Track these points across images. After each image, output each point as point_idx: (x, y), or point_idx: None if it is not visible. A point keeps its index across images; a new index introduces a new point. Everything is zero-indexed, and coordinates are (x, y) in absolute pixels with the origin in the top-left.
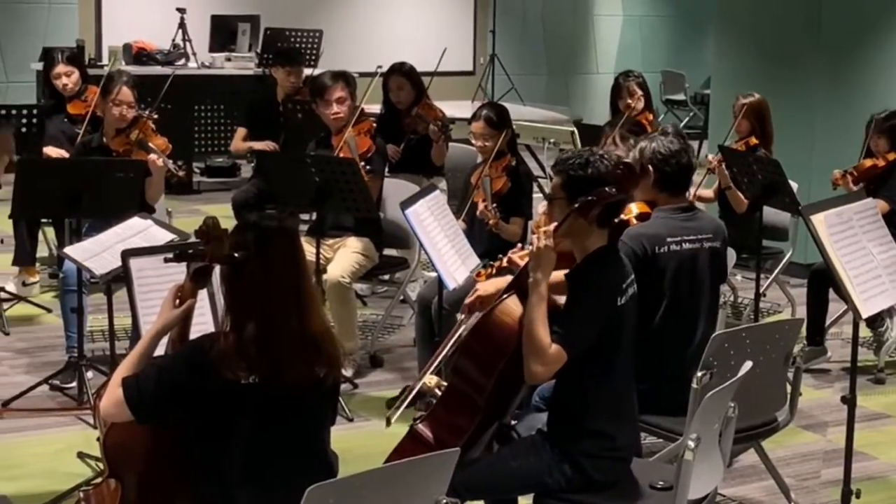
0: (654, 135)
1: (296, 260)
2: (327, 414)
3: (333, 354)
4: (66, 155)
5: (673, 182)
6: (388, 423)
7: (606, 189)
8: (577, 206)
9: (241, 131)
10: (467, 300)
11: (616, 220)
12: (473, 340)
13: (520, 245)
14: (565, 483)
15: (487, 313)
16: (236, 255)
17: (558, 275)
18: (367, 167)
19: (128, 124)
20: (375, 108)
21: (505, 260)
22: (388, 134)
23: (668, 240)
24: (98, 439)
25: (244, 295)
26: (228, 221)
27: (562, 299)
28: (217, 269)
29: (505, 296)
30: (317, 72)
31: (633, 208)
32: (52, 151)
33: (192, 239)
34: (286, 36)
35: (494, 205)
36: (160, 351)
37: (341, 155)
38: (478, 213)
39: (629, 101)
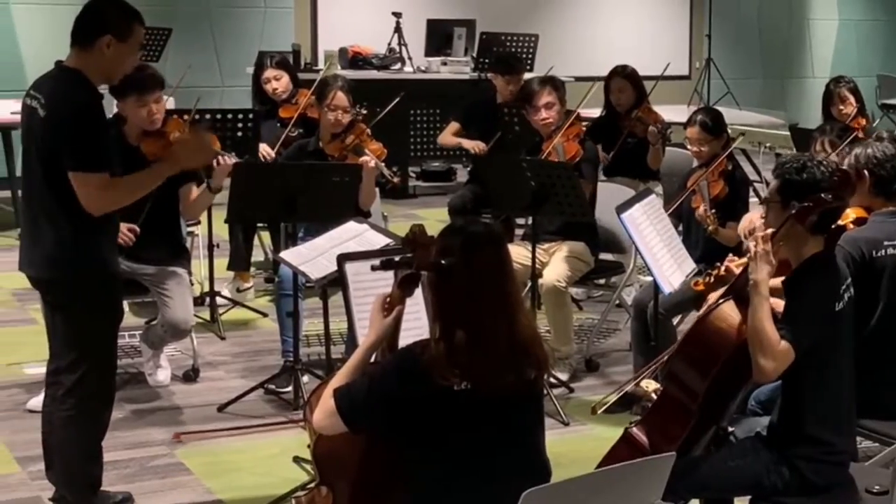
0: (868, 140)
1: (502, 265)
2: (539, 417)
3: (542, 357)
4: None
5: (888, 186)
6: (594, 412)
7: (823, 196)
8: (794, 212)
9: (453, 125)
10: None
11: (833, 227)
12: (688, 346)
13: (733, 256)
14: (782, 485)
15: (702, 319)
16: (443, 261)
17: (775, 282)
18: (577, 173)
19: (343, 129)
20: (594, 112)
21: (722, 269)
22: (604, 136)
23: (886, 243)
24: (308, 446)
25: (452, 301)
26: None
27: (779, 306)
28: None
29: (721, 301)
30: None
31: (850, 213)
32: (264, 150)
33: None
34: (502, 41)
35: (713, 210)
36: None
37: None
38: (696, 216)
39: (840, 107)
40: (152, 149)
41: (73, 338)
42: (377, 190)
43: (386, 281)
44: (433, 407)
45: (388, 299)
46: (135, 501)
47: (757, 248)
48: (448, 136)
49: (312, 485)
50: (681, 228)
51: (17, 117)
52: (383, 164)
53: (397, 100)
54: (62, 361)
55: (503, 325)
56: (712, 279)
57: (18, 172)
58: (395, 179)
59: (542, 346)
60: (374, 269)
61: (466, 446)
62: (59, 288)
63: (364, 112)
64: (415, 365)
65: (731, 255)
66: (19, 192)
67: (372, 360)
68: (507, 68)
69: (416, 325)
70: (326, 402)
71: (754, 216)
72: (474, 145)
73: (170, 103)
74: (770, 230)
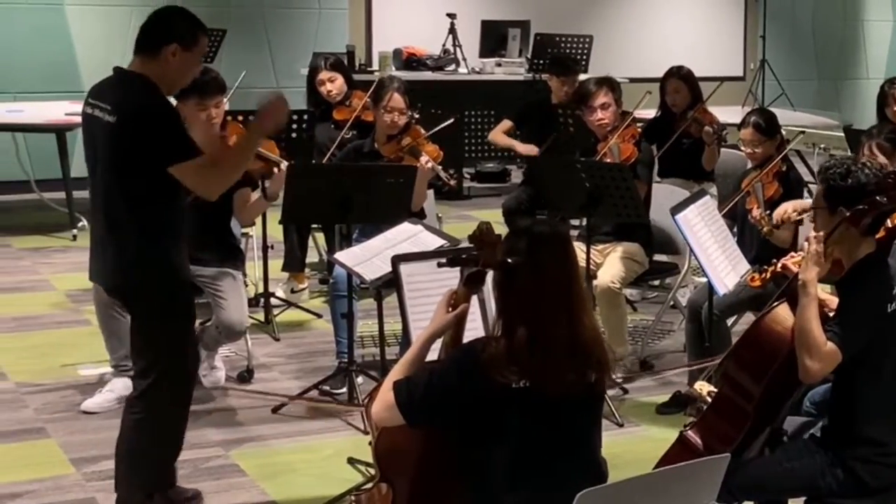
0: None
1: (567, 266)
2: (597, 419)
3: (603, 359)
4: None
5: None
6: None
7: (878, 198)
8: (848, 215)
9: (505, 123)
10: None
11: (885, 229)
12: (743, 348)
13: (792, 253)
14: (837, 487)
15: (757, 321)
16: (509, 260)
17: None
18: (631, 174)
19: (399, 131)
20: (649, 112)
21: (779, 265)
22: (659, 137)
23: None
24: (370, 444)
25: (516, 300)
26: (499, 228)
27: (832, 302)
28: (490, 275)
29: (776, 304)
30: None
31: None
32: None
33: (463, 244)
34: (556, 42)
35: (767, 212)
36: (433, 356)
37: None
38: (750, 218)
39: (895, 108)
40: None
41: (145, 344)
42: (431, 192)
43: (441, 283)
44: (491, 403)
45: (454, 296)
46: (203, 500)
47: (810, 249)
48: (499, 133)
49: (371, 483)
50: (735, 230)
51: (72, 118)
52: (440, 167)
53: (451, 121)
54: (137, 366)
55: (565, 326)
56: (768, 275)
57: (73, 174)
58: (452, 182)
59: (604, 348)
60: (440, 266)
61: (522, 445)
62: (130, 295)
63: (417, 116)
64: (475, 361)
65: (791, 253)
66: (74, 194)
67: (434, 358)
68: (562, 69)
69: (470, 325)
70: (386, 394)
71: (789, 206)
72: (527, 150)
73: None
74: (823, 232)
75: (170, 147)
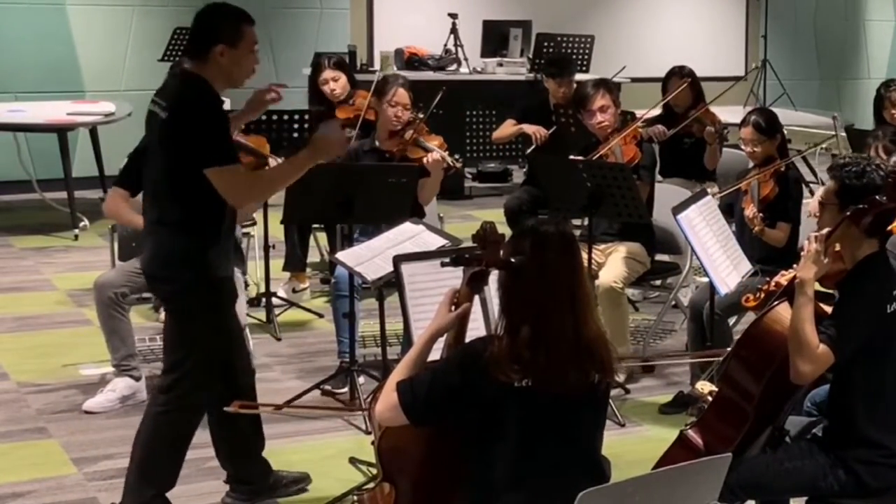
0: None
1: (572, 265)
2: (600, 419)
3: (607, 360)
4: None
5: None
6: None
7: (878, 198)
8: (849, 213)
9: (509, 121)
10: None
11: (887, 229)
12: (743, 348)
13: (783, 272)
14: (839, 488)
15: (758, 321)
16: (513, 259)
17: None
18: (635, 175)
19: (402, 126)
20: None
21: (773, 283)
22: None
23: None
24: (372, 443)
25: (520, 299)
26: (500, 227)
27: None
28: (494, 274)
29: (776, 303)
30: (589, 77)
31: None
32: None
33: (465, 244)
34: (558, 42)
35: (761, 212)
36: (436, 356)
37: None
38: (745, 217)
39: (893, 111)
40: None
41: (176, 339)
42: None
43: (442, 282)
44: (493, 403)
45: (457, 295)
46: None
47: (810, 247)
48: (505, 128)
49: (374, 482)
50: (734, 228)
51: (73, 118)
52: (446, 153)
53: (440, 95)
54: (168, 360)
55: (569, 326)
56: (763, 295)
57: (74, 173)
58: (458, 164)
59: (608, 348)
60: (443, 265)
61: (524, 444)
62: (166, 288)
63: (421, 116)
64: (477, 359)
65: (782, 271)
66: (76, 194)
67: (437, 358)
68: (557, 71)
69: (472, 325)
70: (389, 395)
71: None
72: (536, 130)
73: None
74: (826, 230)
75: (208, 149)
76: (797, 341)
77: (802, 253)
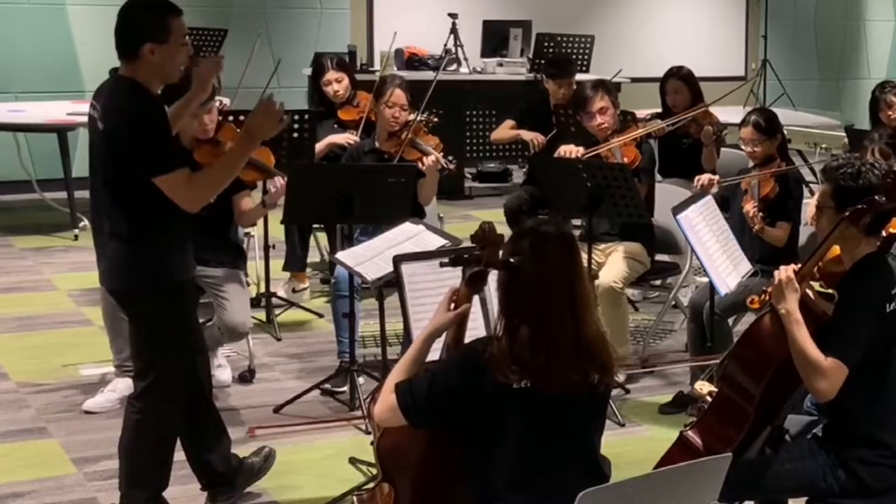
0: None
1: (572, 266)
2: (599, 420)
3: (607, 360)
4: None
5: None
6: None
7: (877, 198)
8: (847, 214)
9: (508, 122)
10: None
11: (886, 229)
12: (743, 347)
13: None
14: (839, 488)
15: (758, 321)
16: (512, 260)
17: (834, 249)
18: (635, 178)
19: (400, 127)
20: (650, 110)
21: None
22: (660, 137)
23: None
24: (371, 444)
25: (519, 299)
26: (500, 227)
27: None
28: (493, 274)
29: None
30: (589, 77)
31: None
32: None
33: (465, 244)
34: (558, 42)
35: (761, 211)
36: (435, 356)
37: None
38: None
39: (889, 112)
40: (206, 158)
41: (142, 346)
42: None
43: (442, 282)
44: (492, 404)
45: (456, 295)
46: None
47: (780, 277)
48: (504, 130)
49: (373, 483)
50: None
51: (73, 118)
52: (441, 156)
53: (430, 92)
54: (136, 368)
55: (569, 326)
56: (767, 297)
57: (74, 173)
58: (451, 166)
59: (608, 349)
60: (442, 265)
61: (524, 445)
62: (127, 299)
63: (422, 118)
64: (476, 360)
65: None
66: (76, 194)
67: (435, 358)
68: (556, 72)
69: (471, 325)
70: (388, 396)
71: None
72: (533, 136)
73: (226, 105)
74: (797, 266)
75: (150, 159)
76: (803, 363)
77: (773, 282)
